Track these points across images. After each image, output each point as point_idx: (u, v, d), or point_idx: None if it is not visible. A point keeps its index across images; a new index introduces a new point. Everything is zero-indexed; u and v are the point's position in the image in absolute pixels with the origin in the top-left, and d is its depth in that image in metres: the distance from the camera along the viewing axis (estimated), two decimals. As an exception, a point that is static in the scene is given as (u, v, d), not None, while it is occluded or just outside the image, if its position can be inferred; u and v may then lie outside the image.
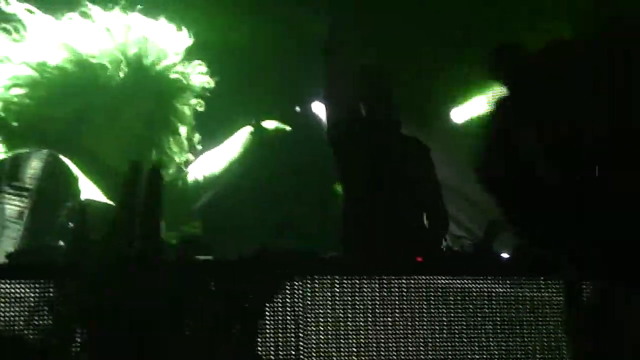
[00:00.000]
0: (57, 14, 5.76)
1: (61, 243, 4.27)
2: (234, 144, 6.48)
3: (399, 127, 4.30)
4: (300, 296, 3.15)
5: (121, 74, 5.69)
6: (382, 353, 3.14)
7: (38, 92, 5.58)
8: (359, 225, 4.07)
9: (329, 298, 3.18)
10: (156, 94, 5.96)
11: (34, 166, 5.01)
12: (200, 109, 6.20)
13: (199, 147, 6.33)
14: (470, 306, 3.25)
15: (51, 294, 3.01)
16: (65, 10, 5.76)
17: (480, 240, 3.84)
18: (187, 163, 6.28)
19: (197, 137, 6.27)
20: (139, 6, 5.90)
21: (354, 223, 4.12)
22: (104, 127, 5.71)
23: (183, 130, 6.16)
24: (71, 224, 4.34)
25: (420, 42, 6.71)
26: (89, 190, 5.32)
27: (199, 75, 6.14)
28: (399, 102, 4.29)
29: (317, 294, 3.18)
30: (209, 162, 6.45)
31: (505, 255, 3.64)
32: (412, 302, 3.24)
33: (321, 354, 3.10)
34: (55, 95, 5.59)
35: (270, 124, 6.49)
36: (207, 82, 6.16)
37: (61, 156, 5.21)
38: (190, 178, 6.35)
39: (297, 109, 6.50)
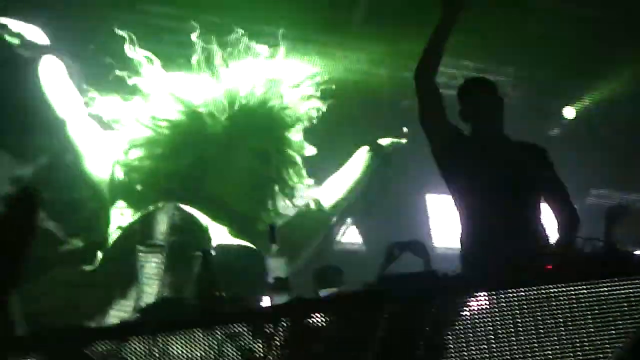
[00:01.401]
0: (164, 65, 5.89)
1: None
2: (354, 165, 6.51)
3: (506, 138, 4.17)
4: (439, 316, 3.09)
5: (228, 120, 5.78)
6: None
7: (155, 150, 5.72)
8: (481, 241, 3.96)
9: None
10: (266, 130, 6.02)
11: (162, 221, 5.13)
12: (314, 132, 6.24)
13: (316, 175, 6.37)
14: (611, 312, 3.10)
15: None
16: (171, 60, 5.90)
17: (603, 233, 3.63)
18: (311, 190, 6.33)
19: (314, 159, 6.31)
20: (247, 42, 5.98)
21: (473, 239, 4.00)
22: (221, 171, 5.81)
23: (299, 158, 6.21)
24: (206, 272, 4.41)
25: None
26: (221, 236, 5.41)
27: (309, 101, 6.17)
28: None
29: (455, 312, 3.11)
30: (332, 187, 6.49)
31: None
32: (550, 312, 3.12)
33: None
34: (171, 150, 5.72)
35: (385, 141, 6.50)
36: (318, 107, 6.18)
37: (187, 207, 5.32)
38: (316, 205, 6.40)
39: (405, 130, 6.48)
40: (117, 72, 5.70)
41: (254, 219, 5.83)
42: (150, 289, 4.93)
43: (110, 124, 5.89)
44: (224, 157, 5.91)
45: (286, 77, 6.18)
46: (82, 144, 5.65)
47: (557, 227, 4.10)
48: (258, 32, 6.13)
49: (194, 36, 5.84)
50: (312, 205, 6.43)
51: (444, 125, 4.11)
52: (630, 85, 7.07)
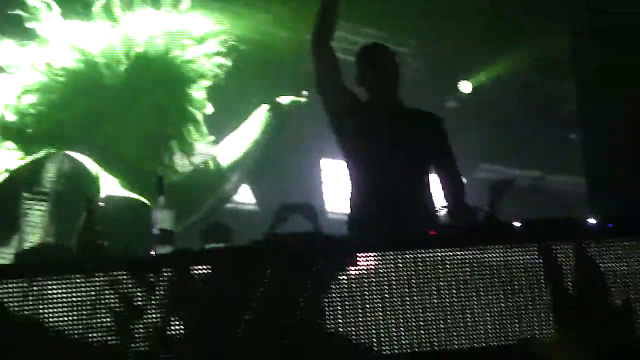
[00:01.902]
0: (64, 12, 5.73)
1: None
2: (253, 123, 6.48)
3: (402, 105, 4.22)
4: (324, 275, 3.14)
5: (126, 71, 5.67)
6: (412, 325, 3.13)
7: (49, 96, 5.58)
8: (370, 205, 4.02)
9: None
10: (167, 85, 5.93)
11: (50, 169, 5.02)
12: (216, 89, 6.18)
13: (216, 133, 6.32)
14: (481, 275, 3.22)
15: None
16: (69, 8, 5.74)
17: (487, 204, 3.79)
18: (209, 148, 6.28)
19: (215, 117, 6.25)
20: None
21: (364, 204, 4.06)
22: (117, 123, 5.71)
23: (200, 115, 6.14)
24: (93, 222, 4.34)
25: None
26: (111, 187, 5.32)
27: (213, 58, 6.09)
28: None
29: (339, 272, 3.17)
30: (230, 145, 6.46)
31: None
32: (430, 275, 3.21)
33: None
34: (65, 98, 5.59)
35: (285, 99, 6.49)
36: (223, 64, 6.11)
37: (78, 156, 5.21)
38: (214, 163, 6.35)
39: (305, 92, 6.47)
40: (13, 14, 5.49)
41: (148, 173, 5.75)
42: (32, 237, 4.82)
43: (2, 69, 5.68)
44: (121, 109, 5.81)
45: (189, 31, 6.08)
46: None
47: (443, 194, 4.19)
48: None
49: None
50: (210, 163, 6.38)
51: (340, 91, 4.12)
52: (526, 62, 7.25)
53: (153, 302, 3.01)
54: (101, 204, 4.66)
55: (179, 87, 6.08)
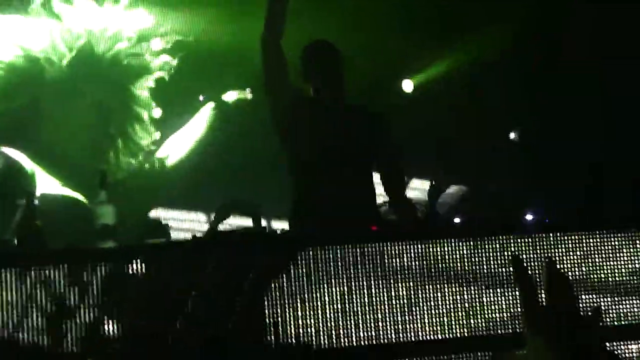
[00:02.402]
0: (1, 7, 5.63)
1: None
2: (198, 123, 6.45)
3: (345, 102, 4.25)
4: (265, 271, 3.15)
5: (68, 66, 5.60)
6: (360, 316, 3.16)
7: None
8: (312, 202, 4.03)
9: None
10: (110, 82, 5.87)
11: None
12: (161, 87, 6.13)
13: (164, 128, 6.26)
14: (421, 268, 3.28)
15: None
16: (10, 2, 5.64)
17: (425, 204, 3.86)
18: (154, 145, 6.22)
19: (161, 116, 6.19)
20: None
21: (306, 201, 4.07)
22: (58, 119, 5.64)
23: (146, 114, 6.09)
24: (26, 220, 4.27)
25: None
26: (48, 185, 5.26)
27: (158, 56, 6.05)
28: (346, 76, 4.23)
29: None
30: (176, 145, 6.41)
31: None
32: (371, 269, 3.25)
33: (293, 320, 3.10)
34: (2, 90, 5.49)
35: (231, 97, 6.47)
36: (167, 62, 6.06)
37: (12, 152, 5.13)
38: (159, 163, 6.30)
39: (248, 90, 6.48)
40: None
41: (91, 171, 5.67)
42: None
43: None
44: (62, 105, 5.73)
45: (132, 28, 6.03)
46: None
47: (384, 189, 4.24)
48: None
49: None
50: (156, 163, 6.33)
51: (286, 89, 4.14)
52: (466, 62, 7.34)
53: (90, 298, 2.99)
54: (37, 201, 4.61)
55: (122, 85, 6.02)
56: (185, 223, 6.51)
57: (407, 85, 7.53)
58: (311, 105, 4.17)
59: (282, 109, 4.14)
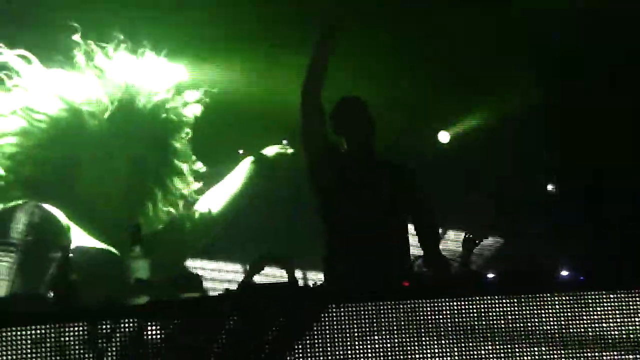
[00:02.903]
0: (46, 62, 5.75)
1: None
2: (237, 176, 6.49)
3: (377, 157, 4.28)
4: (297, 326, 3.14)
5: (109, 120, 5.68)
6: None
7: (28, 140, 5.57)
8: (344, 257, 4.04)
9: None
10: (149, 136, 5.93)
11: (19, 220, 4.99)
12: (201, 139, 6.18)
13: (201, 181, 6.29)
14: (456, 325, 3.24)
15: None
16: (54, 57, 5.76)
17: (459, 257, 3.84)
18: (194, 198, 6.25)
19: (200, 168, 6.23)
20: (127, 46, 5.89)
21: (338, 255, 4.08)
22: (96, 173, 5.69)
23: (185, 166, 6.14)
24: (62, 273, 4.32)
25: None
26: (82, 238, 5.30)
27: (192, 106, 6.12)
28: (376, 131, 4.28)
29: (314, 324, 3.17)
30: (214, 198, 6.45)
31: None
32: (404, 326, 3.23)
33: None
34: (44, 141, 5.58)
35: (270, 151, 6.51)
36: (205, 114, 6.13)
37: (48, 206, 5.19)
38: (198, 216, 6.33)
39: (285, 141, 6.51)
40: None
41: (125, 225, 5.69)
42: (1, 290, 4.77)
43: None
44: (100, 159, 5.78)
45: (171, 80, 6.11)
46: None
47: (419, 244, 4.23)
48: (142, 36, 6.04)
49: (77, 36, 5.71)
50: (195, 215, 6.36)
51: (322, 142, 4.19)
52: (503, 113, 7.34)
53: (128, 352, 3.01)
54: (72, 255, 4.65)
55: (160, 138, 6.07)
56: (221, 274, 6.54)
57: (444, 137, 7.55)
58: (343, 159, 4.22)
59: (318, 161, 4.19)
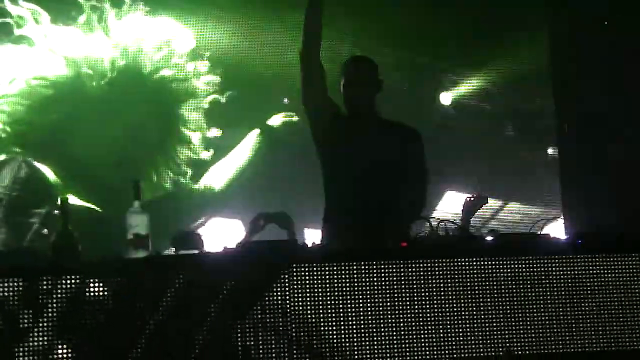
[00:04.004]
0: (55, 17, 5.70)
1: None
2: (244, 149, 6.46)
3: (376, 116, 4.29)
4: (295, 284, 3.17)
5: (109, 84, 5.64)
6: (376, 338, 3.16)
7: (26, 100, 5.55)
8: (343, 216, 4.07)
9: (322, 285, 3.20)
10: (151, 103, 5.90)
11: (5, 175, 5.01)
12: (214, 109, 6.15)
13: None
14: (453, 286, 3.28)
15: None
16: (65, 12, 5.71)
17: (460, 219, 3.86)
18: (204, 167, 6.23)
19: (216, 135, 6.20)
20: (142, 7, 5.83)
21: (337, 214, 4.12)
22: (91, 136, 5.65)
23: (195, 135, 6.10)
24: (45, 230, 4.35)
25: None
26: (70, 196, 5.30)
27: (205, 77, 6.07)
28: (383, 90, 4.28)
29: (310, 281, 3.20)
30: (221, 171, 6.43)
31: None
32: (401, 286, 3.26)
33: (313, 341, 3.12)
34: (43, 102, 5.56)
35: (276, 121, 6.48)
36: (214, 81, 6.09)
37: (36, 163, 5.19)
38: (202, 188, 6.33)
39: (286, 100, 6.50)
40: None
41: (118, 189, 5.66)
42: None
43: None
44: (96, 122, 5.75)
45: (180, 49, 6.06)
46: None
47: (410, 206, 4.25)
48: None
49: None
50: (200, 187, 6.36)
51: (323, 101, 4.21)
52: (506, 76, 7.32)
53: (128, 305, 3.04)
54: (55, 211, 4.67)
55: (164, 106, 6.04)
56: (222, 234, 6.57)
57: (445, 98, 7.54)
58: (346, 118, 4.23)
59: (319, 121, 4.21)
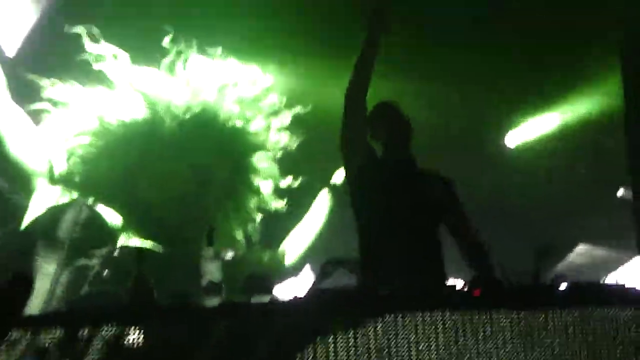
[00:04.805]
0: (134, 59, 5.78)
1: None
2: (317, 212, 6.44)
3: (415, 164, 4.28)
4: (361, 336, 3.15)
5: (179, 126, 5.69)
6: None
7: (99, 141, 5.62)
8: (380, 265, 4.04)
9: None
10: (222, 150, 5.91)
11: (68, 218, 5.10)
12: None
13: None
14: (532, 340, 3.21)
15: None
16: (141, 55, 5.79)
17: (531, 268, 3.81)
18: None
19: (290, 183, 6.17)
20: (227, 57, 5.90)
21: (374, 263, 4.08)
22: (156, 178, 5.67)
23: (266, 185, 6.11)
24: (106, 271, 4.42)
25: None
26: (131, 240, 5.38)
27: (279, 133, 6.08)
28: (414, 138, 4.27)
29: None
30: (298, 238, 6.42)
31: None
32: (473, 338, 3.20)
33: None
34: (116, 143, 5.63)
35: (341, 177, 6.45)
36: (289, 140, 6.09)
37: (99, 206, 5.27)
38: (281, 256, 6.31)
39: None
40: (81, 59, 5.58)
41: (180, 234, 5.68)
42: (46, 285, 4.88)
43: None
44: (163, 164, 5.76)
45: (259, 100, 6.07)
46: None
47: (465, 255, 4.23)
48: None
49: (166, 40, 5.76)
50: (276, 258, 6.32)
51: (364, 148, 4.20)
52: (572, 118, 7.23)
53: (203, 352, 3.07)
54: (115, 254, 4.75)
55: (235, 154, 6.01)
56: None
57: (511, 140, 7.49)
58: (382, 166, 4.22)
59: (355, 169, 4.19)
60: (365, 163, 4.19)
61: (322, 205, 6.42)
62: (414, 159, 4.31)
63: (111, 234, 5.34)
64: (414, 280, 3.88)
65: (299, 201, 6.41)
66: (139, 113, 5.66)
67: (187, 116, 5.70)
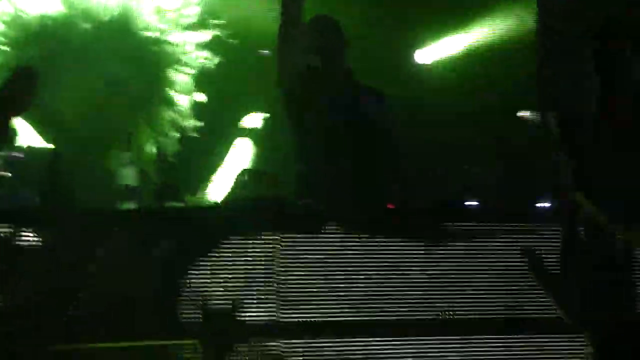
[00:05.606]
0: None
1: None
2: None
3: (350, 76, 4.32)
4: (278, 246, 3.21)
5: (92, 32, 5.55)
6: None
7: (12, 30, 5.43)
8: (314, 177, 4.10)
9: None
10: (137, 61, 5.79)
11: None
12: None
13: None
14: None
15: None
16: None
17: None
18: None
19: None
20: None
21: (308, 175, 4.13)
22: (69, 85, 5.54)
23: (184, 98, 6.01)
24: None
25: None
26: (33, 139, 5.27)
27: (199, 50, 5.98)
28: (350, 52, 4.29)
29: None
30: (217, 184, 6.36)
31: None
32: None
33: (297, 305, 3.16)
34: (28, 37, 5.45)
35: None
36: (207, 57, 5.99)
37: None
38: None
39: (266, 52, 6.47)
40: None
41: (86, 138, 5.58)
42: None
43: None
44: (71, 69, 5.62)
45: (181, 15, 5.93)
46: None
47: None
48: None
49: None
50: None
51: (297, 55, 4.19)
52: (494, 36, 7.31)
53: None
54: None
55: (151, 66, 5.92)
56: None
57: (421, 57, 7.56)
58: (315, 77, 4.24)
59: (288, 80, 4.19)
60: (302, 73, 4.20)
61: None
62: (349, 70, 4.34)
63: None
64: (345, 196, 3.95)
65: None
66: (55, 7, 5.49)
67: (105, 18, 5.56)
